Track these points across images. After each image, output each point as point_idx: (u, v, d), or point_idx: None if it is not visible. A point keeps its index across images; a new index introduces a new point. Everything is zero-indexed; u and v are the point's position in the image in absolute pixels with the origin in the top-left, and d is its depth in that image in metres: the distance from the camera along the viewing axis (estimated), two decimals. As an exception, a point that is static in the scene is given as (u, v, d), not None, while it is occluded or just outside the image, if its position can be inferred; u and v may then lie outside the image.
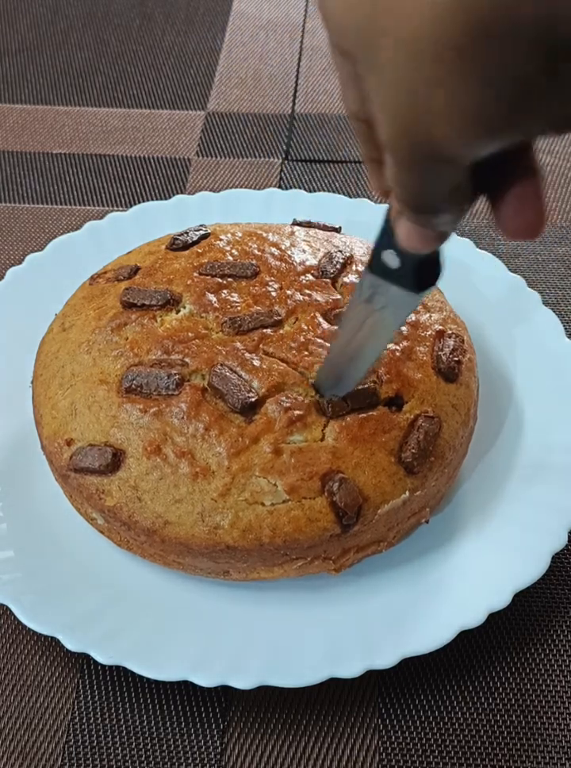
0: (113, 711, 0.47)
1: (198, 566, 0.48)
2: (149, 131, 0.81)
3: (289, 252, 0.55)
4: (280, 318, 0.50)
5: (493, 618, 0.48)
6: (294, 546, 0.46)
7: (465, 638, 0.48)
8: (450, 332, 0.53)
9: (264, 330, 0.50)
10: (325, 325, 0.50)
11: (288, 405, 0.47)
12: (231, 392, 0.47)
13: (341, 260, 0.54)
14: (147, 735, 0.46)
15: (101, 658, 0.45)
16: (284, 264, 0.54)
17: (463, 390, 0.51)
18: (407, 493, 0.47)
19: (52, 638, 0.48)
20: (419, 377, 0.50)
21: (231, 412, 0.47)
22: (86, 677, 0.48)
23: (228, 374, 0.47)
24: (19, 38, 0.91)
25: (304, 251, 0.55)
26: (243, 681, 0.45)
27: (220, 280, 0.52)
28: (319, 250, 0.55)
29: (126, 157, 0.78)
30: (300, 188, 0.75)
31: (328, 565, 0.48)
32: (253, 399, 0.46)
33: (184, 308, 0.51)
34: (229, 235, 0.56)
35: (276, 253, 0.54)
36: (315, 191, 0.73)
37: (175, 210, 0.66)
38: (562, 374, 0.57)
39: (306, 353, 0.49)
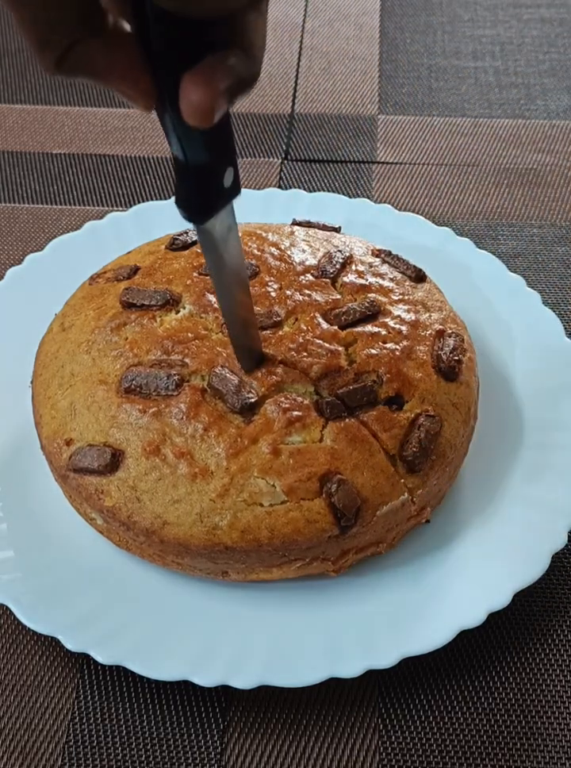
0: (113, 711, 0.47)
1: (197, 566, 0.48)
2: (149, 131, 0.81)
3: (288, 252, 0.55)
4: (279, 318, 0.50)
5: (493, 618, 0.48)
6: (292, 547, 0.46)
7: (465, 638, 0.48)
8: (450, 331, 0.53)
9: (263, 331, 0.49)
10: (325, 325, 0.50)
11: (286, 405, 0.47)
12: (230, 392, 0.47)
13: (341, 260, 0.54)
14: (147, 735, 0.46)
15: (101, 658, 0.45)
16: (283, 264, 0.54)
17: (463, 389, 0.51)
18: (405, 494, 0.47)
19: (52, 638, 0.48)
20: (420, 376, 0.50)
21: (231, 412, 0.47)
22: (86, 677, 0.48)
23: (227, 374, 0.47)
24: (19, 38, 0.91)
25: (303, 251, 0.55)
26: (243, 681, 0.45)
27: (219, 280, 0.52)
28: (318, 250, 0.55)
29: (126, 157, 0.78)
30: (299, 188, 0.75)
31: (327, 566, 0.48)
32: (252, 400, 0.46)
33: (184, 308, 0.51)
34: (229, 235, 0.56)
35: (275, 253, 0.54)
36: (314, 191, 0.73)
37: (175, 210, 0.66)
38: (562, 373, 0.57)
39: (305, 353, 0.49)
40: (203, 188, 0.37)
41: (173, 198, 0.71)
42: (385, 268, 0.55)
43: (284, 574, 0.48)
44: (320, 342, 0.49)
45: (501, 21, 0.93)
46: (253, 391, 0.47)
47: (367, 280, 0.54)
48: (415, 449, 0.47)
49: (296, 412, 0.47)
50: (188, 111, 0.31)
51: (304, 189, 0.74)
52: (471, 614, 0.46)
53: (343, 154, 0.79)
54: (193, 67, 0.30)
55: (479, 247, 0.65)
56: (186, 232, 0.57)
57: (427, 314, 0.53)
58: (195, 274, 0.53)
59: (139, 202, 0.73)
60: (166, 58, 0.31)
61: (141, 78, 0.31)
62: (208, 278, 0.52)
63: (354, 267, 0.54)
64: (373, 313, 0.51)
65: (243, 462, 0.46)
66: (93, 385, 0.49)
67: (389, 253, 0.56)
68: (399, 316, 0.52)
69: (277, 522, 0.45)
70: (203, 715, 0.47)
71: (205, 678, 0.45)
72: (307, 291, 0.52)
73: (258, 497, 0.45)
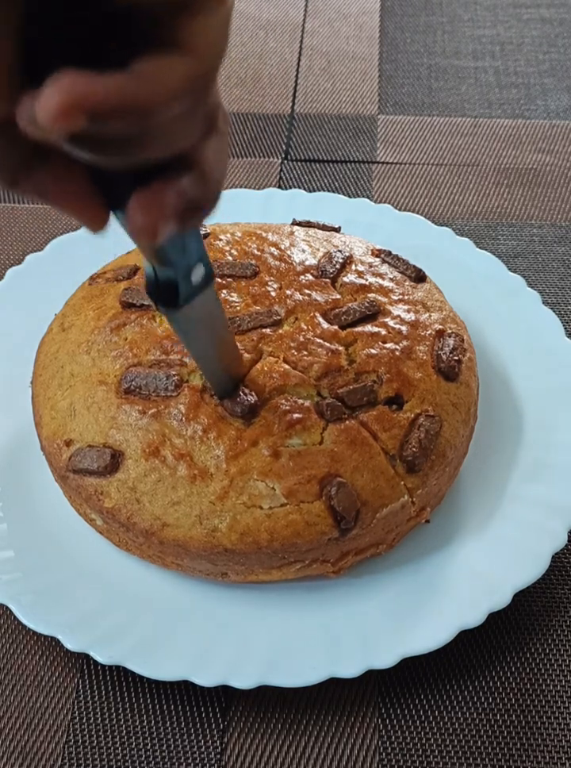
0: (113, 711, 0.47)
1: (196, 567, 0.48)
2: (149, 131, 0.81)
3: (288, 252, 0.55)
4: (279, 318, 0.50)
5: (493, 618, 0.48)
6: (292, 549, 0.46)
7: (465, 638, 0.48)
8: (449, 331, 0.53)
9: (263, 330, 0.50)
10: (325, 325, 0.50)
11: (287, 407, 0.47)
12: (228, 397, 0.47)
13: (340, 260, 0.54)
14: (147, 735, 0.46)
15: (101, 658, 0.45)
16: (283, 264, 0.54)
17: (463, 389, 0.51)
18: (405, 496, 0.47)
19: (52, 638, 0.48)
20: (420, 376, 0.50)
21: (231, 414, 0.47)
22: (86, 677, 0.48)
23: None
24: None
25: (303, 251, 0.55)
26: (243, 681, 0.45)
27: (219, 280, 0.52)
28: (318, 250, 0.55)
29: (126, 157, 0.78)
30: (299, 188, 0.75)
31: (327, 567, 0.48)
32: (252, 401, 0.46)
33: (183, 308, 0.51)
34: (228, 234, 0.56)
35: (275, 253, 0.54)
36: (314, 191, 0.73)
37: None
38: (562, 373, 0.57)
39: (305, 353, 0.49)
40: (170, 289, 0.37)
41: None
42: (385, 268, 0.55)
43: (283, 576, 0.48)
44: (320, 341, 0.49)
45: (501, 21, 0.93)
46: (253, 393, 0.47)
47: (367, 280, 0.54)
48: (414, 449, 0.47)
49: (296, 415, 0.47)
50: (133, 233, 0.30)
51: (304, 189, 0.74)
52: (471, 614, 0.46)
53: (343, 154, 0.79)
54: (141, 189, 0.29)
55: (479, 247, 0.65)
56: (186, 232, 0.57)
57: (427, 314, 0.53)
58: (195, 275, 0.53)
59: (139, 202, 0.73)
60: (115, 184, 0.30)
61: (90, 204, 0.30)
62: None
63: (354, 267, 0.54)
64: (373, 313, 0.51)
65: (243, 465, 0.45)
66: (92, 385, 0.49)
67: (389, 253, 0.56)
68: (399, 316, 0.52)
69: (277, 524, 0.45)
70: (203, 715, 0.47)
71: (205, 678, 0.45)
72: (307, 291, 0.52)
73: (257, 499, 0.45)
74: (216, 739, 0.46)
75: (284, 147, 0.79)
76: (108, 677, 0.48)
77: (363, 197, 0.74)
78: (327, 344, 0.49)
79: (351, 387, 0.48)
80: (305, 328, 0.50)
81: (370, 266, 0.55)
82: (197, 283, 0.37)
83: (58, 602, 0.48)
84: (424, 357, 0.51)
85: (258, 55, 0.89)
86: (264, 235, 0.56)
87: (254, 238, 0.56)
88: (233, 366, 0.47)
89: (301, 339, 0.49)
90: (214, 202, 0.32)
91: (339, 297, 0.52)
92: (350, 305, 0.51)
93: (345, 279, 0.53)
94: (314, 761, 0.46)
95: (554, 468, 0.53)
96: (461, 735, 0.46)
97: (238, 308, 0.51)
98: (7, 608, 0.49)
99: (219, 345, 0.45)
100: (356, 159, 0.78)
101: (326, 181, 0.76)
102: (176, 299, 0.37)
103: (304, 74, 0.87)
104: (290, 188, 0.75)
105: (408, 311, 0.52)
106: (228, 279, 0.52)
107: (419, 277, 0.56)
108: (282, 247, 0.55)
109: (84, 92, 0.24)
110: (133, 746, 0.46)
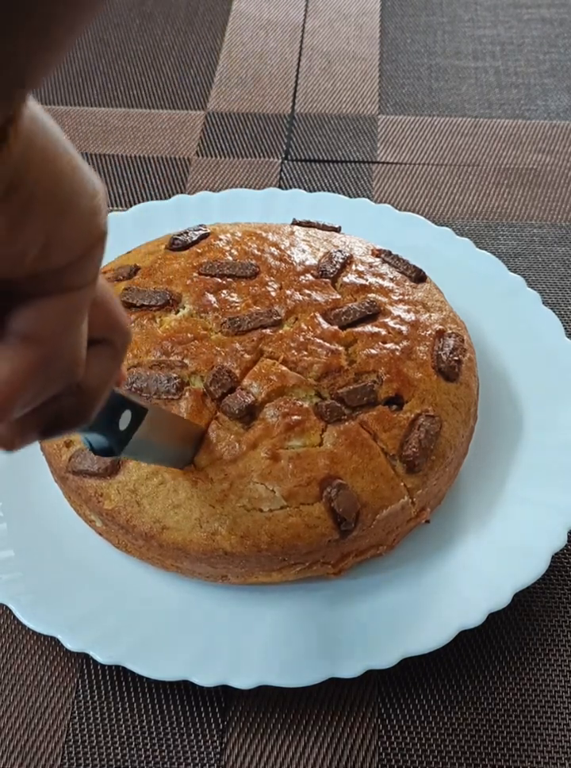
0: (112, 711, 0.47)
1: (196, 570, 0.48)
2: (149, 131, 0.81)
3: (288, 252, 0.55)
4: (279, 318, 0.50)
5: (493, 618, 0.48)
6: (292, 552, 0.46)
7: (465, 638, 0.48)
8: (450, 331, 0.53)
9: (263, 330, 0.49)
10: (325, 325, 0.50)
11: (286, 410, 0.47)
12: (229, 396, 0.47)
13: (341, 260, 0.54)
14: (147, 735, 0.46)
15: (101, 658, 0.45)
16: (283, 264, 0.54)
17: (463, 390, 0.51)
18: (405, 497, 0.47)
19: (52, 638, 0.48)
20: (420, 376, 0.50)
21: (230, 417, 0.47)
22: (86, 677, 0.48)
23: (226, 379, 0.47)
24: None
25: (303, 251, 0.55)
26: (243, 681, 0.45)
27: (219, 280, 0.52)
28: (318, 250, 0.55)
29: (126, 157, 0.78)
30: (300, 188, 0.75)
31: (327, 569, 0.48)
32: (250, 401, 0.46)
33: (183, 308, 0.51)
34: (229, 235, 0.56)
35: (275, 253, 0.54)
36: (315, 191, 0.73)
37: (175, 210, 0.66)
38: (562, 373, 0.57)
39: (305, 353, 0.49)
40: (101, 444, 0.37)
41: (173, 198, 0.71)
42: (385, 268, 0.55)
43: (284, 578, 0.48)
44: (320, 341, 0.49)
45: (502, 21, 0.93)
46: (252, 394, 0.47)
47: (367, 280, 0.54)
48: (414, 449, 0.47)
49: (295, 417, 0.46)
50: None
51: (304, 189, 0.74)
52: (471, 614, 0.46)
53: (343, 154, 0.79)
54: None
55: (479, 247, 0.65)
56: (186, 232, 0.57)
57: (427, 314, 0.53)
58: (195, 275, 0.53)
59: (139, 202, 0.73)
60: None
61: None
62: (208, 278, 0.52)
63: (354, 267, 0.54)
64: (373, 313, 0.51)
65: (243, 468, 0.45)
66: (93, 385, 0.49)
67: (389, 253, 0.56)
68: (399, 316, 0.52)
69: (277, 527, 0.45)
70: (203, 715, 0.47)
71: (205, 678, 0.45)
72: (307, 291, 0.52)
73: (257, 502, 0.45)
74: (215, 739, 0.46)
75: (284, 147, 0.79)
76: (108, 677, 0.48)
77: (363, 197, 0.74)
78: (327, 344, 0.49)
79: (351, 387, 0.48)
80: (305, 328, 0.50)
81: (370, 266, 0.55)
82: (127, 428, 0.37)
83: (58, 602, 0.48)
84: (424, 357, 0.51)
85: (258, 55, 0.89)
86: (264, 235, 0.56)
87: (254, 238, 0.56)
88: (188, 438, 0.46)
89: (301, 339, 0.49)
90: (85, 420, 0.30)
91: (339, 297, 0.52)
92: (350, 305, 0.51)
93: (345, 279, 0.53)
94: (314, 761, 0.46)
95: (554, 468, 0.52)
96: (461, 735, 0.46)
97: (238, 308, 0.51)
98: (7, 608, 0.49)
99: (171, 445, 0.45)
100: (356, 159, 0.78)
101: (326, 181, 0.76)
102: (113, 451, 0.37)
103: (304, 74, 0.87)
104: (290, 188, 0.74)
105: (408, 311, 0.52)
106: (228, 279, 0.52)
107: (419, 277, 0.56)
108: (282, 247, 0.55)
109: None
110: (133, 746, 0.46)
